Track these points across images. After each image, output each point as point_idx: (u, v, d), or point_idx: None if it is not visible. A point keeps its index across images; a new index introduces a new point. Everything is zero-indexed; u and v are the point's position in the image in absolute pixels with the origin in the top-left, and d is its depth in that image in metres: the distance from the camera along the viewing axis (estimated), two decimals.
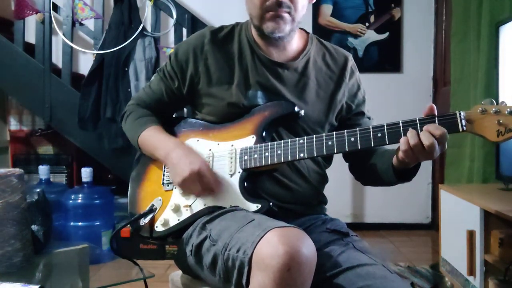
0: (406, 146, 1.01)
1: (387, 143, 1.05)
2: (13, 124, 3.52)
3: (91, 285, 1.30)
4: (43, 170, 2.87)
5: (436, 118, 1.01)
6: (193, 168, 1.14)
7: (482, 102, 1.00)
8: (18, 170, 1.25)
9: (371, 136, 1.05)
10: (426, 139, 0.98)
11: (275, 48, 1.25)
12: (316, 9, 3.58)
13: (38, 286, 1.04)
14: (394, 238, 3.37)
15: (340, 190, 3.45)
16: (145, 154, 1.32)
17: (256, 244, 0.93)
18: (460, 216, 2.07)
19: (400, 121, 1.04)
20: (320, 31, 3.55)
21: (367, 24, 3.61)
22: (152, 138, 1.28)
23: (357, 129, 1.08)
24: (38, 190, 1.43)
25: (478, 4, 2.55)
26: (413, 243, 3.29)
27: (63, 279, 1.37)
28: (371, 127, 1.06)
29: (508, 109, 0.97)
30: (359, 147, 1.06)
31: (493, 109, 0.98)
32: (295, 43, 1.28)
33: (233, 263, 0.97)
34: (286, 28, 1.19)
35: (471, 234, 1.90)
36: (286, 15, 1.17)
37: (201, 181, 1.15)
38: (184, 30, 3.19)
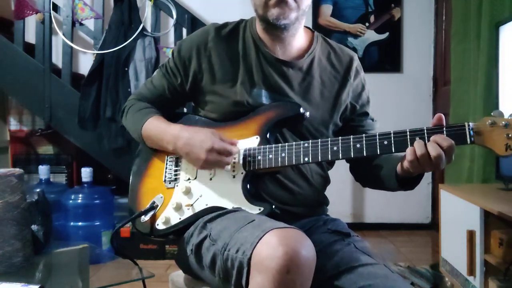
0: (412, 157, 1.00)
1: (393, 151, 1.04)
2: (13, 124, 3.52)
3: (91, 285, 1.30)
4: (43, 170, 2.87)
5: (444, 129, 1.00)
6: (206, 147, 1.13)
7: (492, 114, 0.98)
8: (18, 170, 1.25)
9: (377, 143, 1.04)
10: (433, 150, 0.97)
11: (280, 44, 1.24)
12: (316, 9, 3.58)
13: (38, 286, 1.04)
14: (394, 238, 3.37)
15: (340, 191, 3.45)
16: (149, 146, 1.30)
17: (255, 245, 0.92)
18: (460, 216, 2.06)
19: (408, 130, 1.03)
20: (320, 31, 3.48)
21: (367, 24, 3.61)
22: (154, 129, 1.25)
23: (363, 135, 1.07)
24: (38, 190, 1.43)
25: (478, 4, 2.55)
26: (413, 243, 3.29)
27: (63, 279, 1.37)
28: (377, 134, 1.05)
29: None
30: (364, 154, 1.06)
31: (503, 122, 0.97)
32: (300, 40, 1.27)
33: (232, 263, 0.97)
34: (292, 15, 1.17)
35: (471, 234, 1.90)
36: (290, 1, 1.15)
37: (220, 153, 1.14)
38: (184, 30, 3.19)
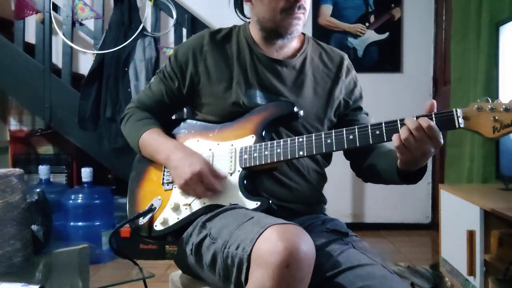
0: (398, 143, 1.02)
1: (385, 140, 1.07)
2: (13, 124, 3.52)
3: (91, 285, 1.30)
4: (43, 170, 2.88)
5: (433, 115, 1.03)
6: (193, 169, 1.15)
7: (478, 100, 1.02)
8: (18, 170, 1.25)
9: (369, 133, 1.07)
10: (411, 123, 1.00)
11: (277, 47, 1.28)
12: (316, 9, 3.58)
13: (38, 286, 1.04)
14: (394, 238, 3.37)
15: (340, 190, 3.45)
16: (145, 156, 1.32)
17: (255, 241, 0.93)
18: (460, 216, 2.07)
19: (398, 119, 1.05)
20: (320, 31, 3.56)
21: (367, 24, 3.61)
22: (152, 141, 1.28)
23: (356, 126, 1.09)
24: (38, 190, 1.43)
25: (478, 4, 2.55)
26: (413, 243, 3.29)
27: (63, 279, 1.37)
28: (369, 125, 1.08)
29: (504, 106, 0.99)
30: (357, 145, 1.08)
31: (489, 106, 1.00)
32: (293, 42, 1.30)
33: (233, 260, 0.98)
34: (300, 29, 1.23)
35: (471, 234, 1.90)
36: (302, 16, 1.21)
37: (203, 182, 1.16)
38: (184, 30, 3.19)
